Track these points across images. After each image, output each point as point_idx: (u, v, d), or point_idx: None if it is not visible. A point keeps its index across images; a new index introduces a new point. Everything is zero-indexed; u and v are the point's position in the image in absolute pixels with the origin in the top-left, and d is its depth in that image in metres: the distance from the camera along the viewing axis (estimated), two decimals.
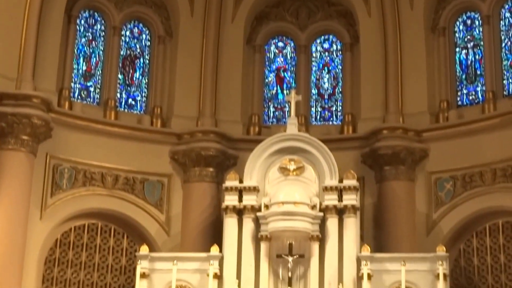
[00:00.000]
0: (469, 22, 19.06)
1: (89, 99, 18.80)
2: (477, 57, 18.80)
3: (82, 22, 19.05)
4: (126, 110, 19.15)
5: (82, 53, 18.97)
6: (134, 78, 19.49)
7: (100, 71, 19.09)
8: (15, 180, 16.54)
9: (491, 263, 17.24)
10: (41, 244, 17.11)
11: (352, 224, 16.20)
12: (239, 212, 16.50)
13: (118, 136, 18.35)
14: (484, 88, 18.36)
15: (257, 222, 16.38)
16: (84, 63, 18.96)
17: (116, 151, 18.23)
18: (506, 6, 18.51)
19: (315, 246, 16.11)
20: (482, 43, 18.65)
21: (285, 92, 19.77)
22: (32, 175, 16.89)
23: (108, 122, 18.45)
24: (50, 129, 17.21)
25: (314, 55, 20.22)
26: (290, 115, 17.52)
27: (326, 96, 19.92)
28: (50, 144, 17.35)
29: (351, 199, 16.28)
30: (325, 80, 20.01)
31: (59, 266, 17.49)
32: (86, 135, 17.97)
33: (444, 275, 15.53)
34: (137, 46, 19.67)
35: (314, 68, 20.12)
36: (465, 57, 18.97)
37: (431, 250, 16.17)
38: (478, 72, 18.70)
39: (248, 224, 16.39)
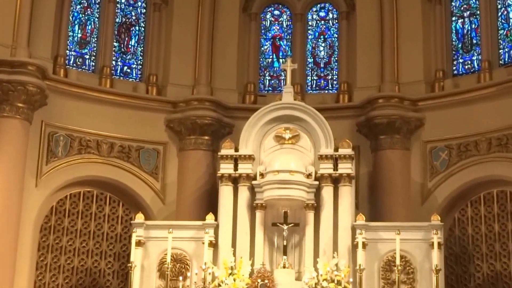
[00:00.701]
0: None
1: (84, 67, 18.72)
2: (473, 26, 18.74)
3: None
4: (121, 78, 19.09)
5: (77, 20, 18.85)
6: (130, 46, 19.39)
7: (95, 39, 18.98)
8: (10, 148, 16.51)
9: (486, 232, 17.32)
10: (37, 212, 17.13)
11: (347, 193, 16.22)
12: (235, 181, 16.50)
13: (114, 104, 18.31)
14: (480, 58, 18.32)
15: (252, 190, 16.39)
16: (79, 31, 18.85)
17: (111, 119, 18.20)
18: None
19: (310, 215, 16.14)
20: (478, 12, 18.56)
21: (281, 60, 19.71)
22: (27, 143, 16.86)
23: (104, 90, 18.38)
24: (45, 96, 17.15)
25: (310, 23, 20.13)
26: (285, 84, 17.47)
27: (322, 65, 19.87)
28: (46, 112, 17.30)
29: (346, 167, 16.28)
30: (321, 48, 19.95)
31: (54, 234, 17.52)
32: (81, 103, 17.92)
33: (439, 244, 15.58)
34: (133, 14, 19.55)
35: (310, 37, 20.04)
36: (461, 26, 18.91)
37: (426, 219, 16.21)
38: (474, 41, 18.65)
39: (244, 193, 16.40)
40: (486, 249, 17.24)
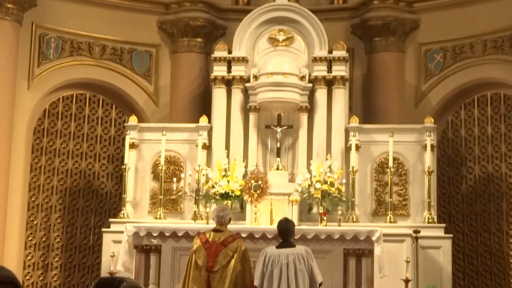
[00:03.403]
0: None
1: None
2: None
3: None
4: None
5: None
6: None
7: None
8: (1, 50, 16.33)
9: (478, 135, 17.37)
10: (30, 114, 17.08)
11: (341, 95, 16.17)
12: (228, 83, 16.41)
13: (105, 6, 18.00)
14: None
15: (245, 93, 16.32)
16: None
17: (103, 21, 17.95)
18: None
19: (304, 117, 16.12)
20: None
21: None
22: (18, 45, 16.67)
23: None
24: None
25: None
26: None
27: None
28: (36, 13, 17.03)
29: (340, 70, 16.18)
30: None
31: (48, 136, 17.52)
32: (72, 4, 17.59)
33: (432, 146, 15.64)
34: None
35: None
36: None
37: (420, 121, 16.22)
38: None
39: (237, 95, 16.33)
40: (478, 151, 17.32)
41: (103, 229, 15.94)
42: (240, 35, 16.48)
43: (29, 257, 17.09)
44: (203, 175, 15.65)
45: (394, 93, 17.72)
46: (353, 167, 15.54)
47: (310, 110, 16.12)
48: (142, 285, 13.82)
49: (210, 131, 16.27)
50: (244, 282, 10.58)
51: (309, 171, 15.46)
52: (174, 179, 16.06)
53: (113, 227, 15.56)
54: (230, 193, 15.26)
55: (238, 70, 16.31)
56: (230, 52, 16.43)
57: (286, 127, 15.97)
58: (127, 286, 4.25)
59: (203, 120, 16.28)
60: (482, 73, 17.21)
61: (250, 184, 14.98)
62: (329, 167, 15.43)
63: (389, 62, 17.87)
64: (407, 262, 13.14)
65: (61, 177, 17.60)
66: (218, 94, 16.38)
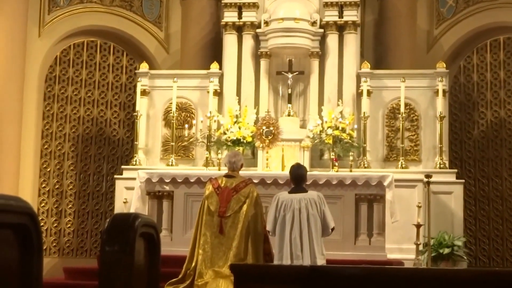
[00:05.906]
0: None
1: None
2: None
3: None
4: None
5: None
6: None
7: None
8: None
9: (491, 80, 17.28)
10: (41, 62, 17.08)
11: (352, 41, 16.08)
12: (239, 29, 16.33)
13: None
14: None
15: (257, 39, 16.25)
16: None
17: None
18: None
19: (315, 63, 16.05)
20: None
21: None
22: None
23: None
24: None
25: None
26: None
27: None
28: None
29: (351, 15, 16.05)
30: None
31: (59, 84, 17.54)
32: None
33: (444, 91, 15.58)
34: None
35: None
36: None
37: (431, 66, 16.14)
38: None
39: (248, 41, 16.26)
40: (490, 96, 17.25)
41: (115, 176, 16.03)
42: None
43: (42, 204, 17.25)
44: (215, 121, 15.67)
45: (405, 38, 17.57)
46: (364, 112, 15.51)
47: (321, 56, 16.05)
48: None
49: (221, 78, 16.24)
50: (256, 227, 10.66)
51: (321, 117, 15.45)
52: (186, 126, 16.08)
53: (126, 174, 15.65)
54: (242, 139, 15.29)
55: (249, 16, 16.21)
56: None
57: (297, 73, 15.90)
58: (142, 222, 4.30)
59: (214, 67, 16.24)
60: (495, 17, 17.05)
61: (261, 130, 14.97)
62: (341, 113, 15.42)
63: (401, 7, 17.69)
64: (419, 207, 13.20)
65: (73, 124, 17.66)
66: (229, 40, 16.31)
